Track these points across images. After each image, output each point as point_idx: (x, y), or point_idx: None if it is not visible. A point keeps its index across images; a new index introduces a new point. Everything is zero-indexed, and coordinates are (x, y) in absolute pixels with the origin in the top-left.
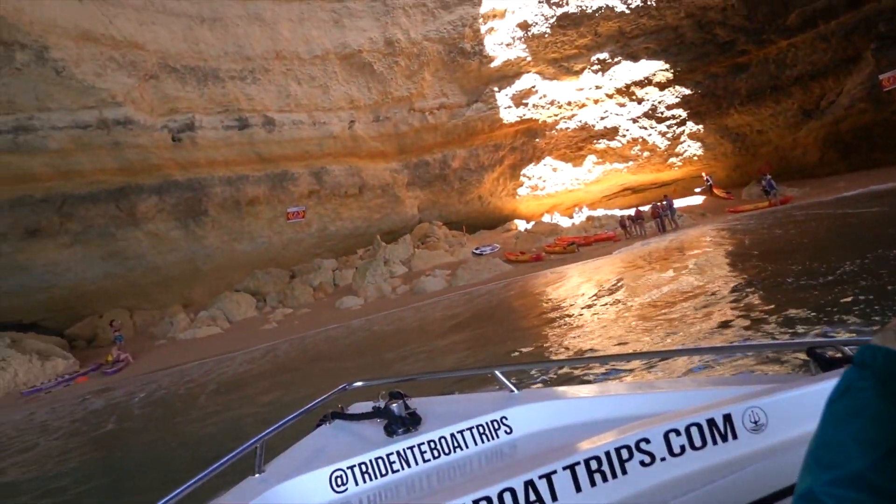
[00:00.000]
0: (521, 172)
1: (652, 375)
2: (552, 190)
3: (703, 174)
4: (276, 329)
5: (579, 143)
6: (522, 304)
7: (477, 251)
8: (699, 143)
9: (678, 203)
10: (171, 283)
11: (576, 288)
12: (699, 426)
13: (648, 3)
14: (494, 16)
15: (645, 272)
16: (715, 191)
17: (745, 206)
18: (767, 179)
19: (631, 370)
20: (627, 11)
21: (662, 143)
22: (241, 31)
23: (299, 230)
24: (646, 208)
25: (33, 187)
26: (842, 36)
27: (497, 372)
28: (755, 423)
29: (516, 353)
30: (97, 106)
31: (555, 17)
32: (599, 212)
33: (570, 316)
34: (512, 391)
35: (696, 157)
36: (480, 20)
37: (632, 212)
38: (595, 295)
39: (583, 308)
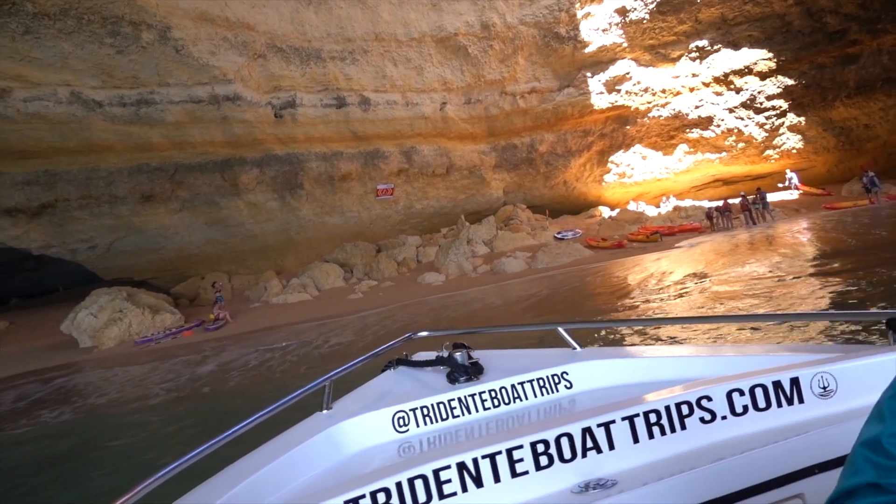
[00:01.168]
0: (609, 159)
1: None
2: (640, 178)
3: (788, 171)
4: (362, 299)
5: (671, 132)
6: (598, 286)
7: (559, 235)
8: (799, 136)
9: (772, 197)
10: (267, 251)
11: (655, 273)
12: (764, 387)
13: None
14: (592, 1)
15: (724, 262)
16: (799, 188)
17: (844, 203)
18: (870, 176)
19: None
20: None
21: (759, 135)
22: (344, 13)
23: (387, 206)
24: (735, 200)
25: (150, 156)
26: None
27: (560, 328)
28: (824, 388)
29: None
30: (210, 82)
31: (654, 3)
32: (687, 202)
33: (644, 299)
34: (574, 348)
35: (794, 150)
36: (577, 5)
37: (720, 203)
38: (673, 279)
39: (656, 291)
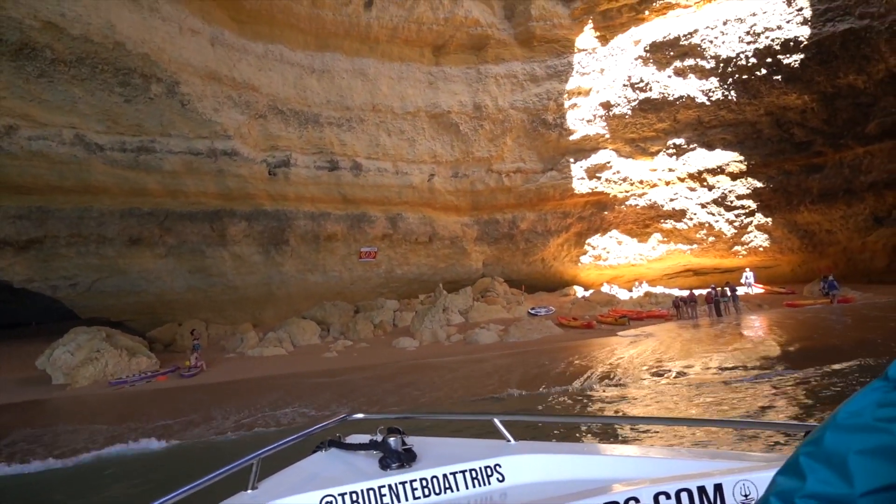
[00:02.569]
0: (587, 241)
1: (651, 441)
2: (615, 262)
3: (746, 270)
4: (336, 357)
5: (646, 221)
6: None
7: (532, 311)
8: (766, 235)
9: (740, 291)
10: (246, 303)
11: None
12: (689, 492)
13: (729, 97)
14: (579, 93)
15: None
16: (755, 286)
17: (804, 301)
18: (829, 280)
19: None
20: (708, 103)
21: (729, 231)
22: (345, 83)
23: (368, 269)
24: (703, 291)
25: (143, 201)
26: None
27: (496, 420)
28: (745, 496)
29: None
30: (210, 137)
31: (637, 101)
32: (659, 289)
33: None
34: (509, 441)
35: (761, 249)
36: (565, 96)
37: (686, 294)
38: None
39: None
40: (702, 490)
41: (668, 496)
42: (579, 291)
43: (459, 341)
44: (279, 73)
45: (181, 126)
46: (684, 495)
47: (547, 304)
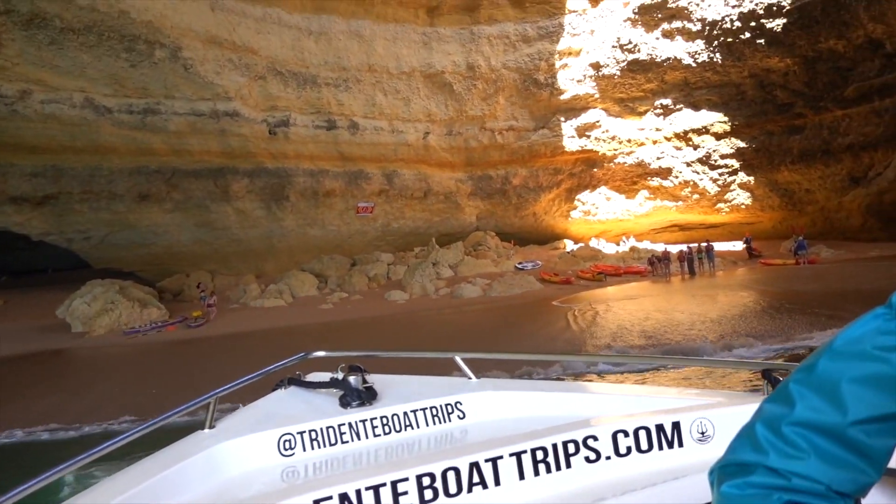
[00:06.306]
0: (577, 197)
1: (614, 378)
2: (603, 217)
3: (746, 235)
4: (332, 309)
5: (634, 178)
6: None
7: (519, 265)
8: (748, 194)
9: (722, 246)
10: (249, 255)
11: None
12: (647, 430)
13: (714, 59)
14: (570, 53)
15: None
16: (753, 250)
17: (776, 261)
18: (799, 240)
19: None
20: (694, 65)
21: (712, 189)
22: (342, 44)
23: (365, 223)
24: (678, 249)
25: (150, 160)
26: (894, 114)
27: (458, 357)
28: (702, 433)
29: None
30: (212, 98)
31: (626, 62)
32: (644, 244)
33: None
34: (470, 378)
35: (743, 206)
36: (556, 56)
37: (660, 251)
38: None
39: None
40: (660, 428)
41: (626, 434)
42: (569, 245)
43: (446, 295)
44: (277, 35)
45: (184, 89)
46: (642, 433)
47: (535, 258)
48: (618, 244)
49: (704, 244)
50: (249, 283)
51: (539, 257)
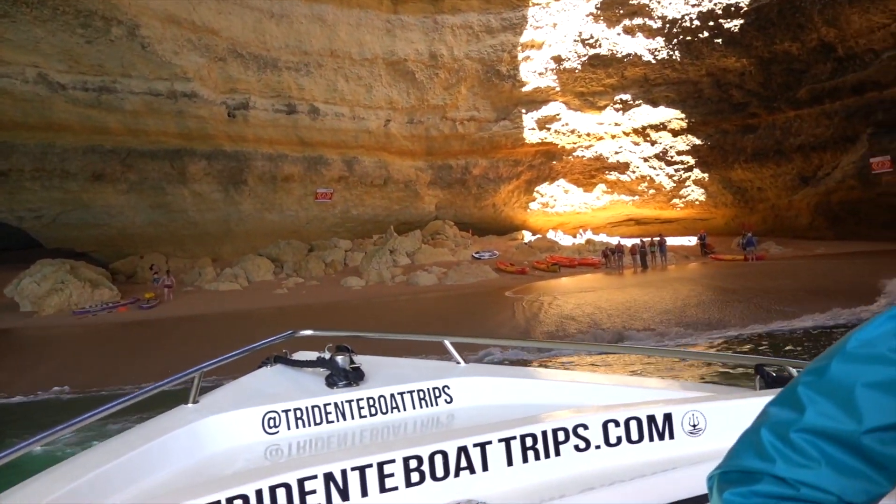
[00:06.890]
0: (535, 189)
1: (604, 370)
2: (561, 209)
3: (701, 231)
4: (287, 294)
5: (592, 172)
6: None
7: (476, 255)
8: (702, 190)
9: (676, 241)
10: (206, 238)
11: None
12: (639, 420)
13: (673, 57)
14: (532, 46)
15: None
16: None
17: (726, 256)
18: (748, 237)
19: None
20: (653, 61)
21: (668, 185)
22: (304, 28)
23: (324, 209)
24: (632, 243)
25: (105, 139)
26: (843, 116)
27: (446, 341)
28: (694, 426)
29: None
30: (170, 79)
31: (587, 56)
32: (601, 237)
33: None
34: (458, 363)
35: (697, 202)
36: (519, 48)
37: (615, 244)
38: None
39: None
40: (651, 419)
41: (616, 423)
42: (527, 236)
43: (402, 282)
44: (238, 16)
45: (142, 68)
46: (633, 423)
47: (493, 248)
48: (575, 237)
49: (657, 238)
50: (205, 267)
51: (497, 248)
